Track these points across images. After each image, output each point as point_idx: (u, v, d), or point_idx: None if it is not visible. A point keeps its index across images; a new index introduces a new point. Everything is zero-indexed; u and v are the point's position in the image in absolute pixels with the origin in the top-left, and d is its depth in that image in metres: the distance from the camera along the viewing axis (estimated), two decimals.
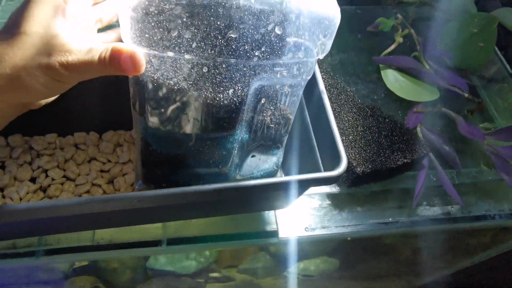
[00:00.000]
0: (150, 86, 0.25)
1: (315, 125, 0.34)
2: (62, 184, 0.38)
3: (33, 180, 0.39)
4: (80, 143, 0.41)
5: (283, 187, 0.29)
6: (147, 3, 0.22)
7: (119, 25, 0.24)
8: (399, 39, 0.54)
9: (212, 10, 0.22)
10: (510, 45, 0.64)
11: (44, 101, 0.30)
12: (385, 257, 0.73)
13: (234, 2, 0.22)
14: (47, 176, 0.38)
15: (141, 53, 0.23)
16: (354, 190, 0.44)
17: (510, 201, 0.45)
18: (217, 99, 0.26)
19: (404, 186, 0.45)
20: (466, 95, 0.50)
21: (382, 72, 0.53)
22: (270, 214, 0.42)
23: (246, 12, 0.22)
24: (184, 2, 0.22)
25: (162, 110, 0.26)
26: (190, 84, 0.25)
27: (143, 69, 0.23)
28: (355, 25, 0.60)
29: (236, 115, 0.27)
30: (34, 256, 0.38)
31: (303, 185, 0.30)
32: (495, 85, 0.56)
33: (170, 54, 0.23)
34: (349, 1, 0.63)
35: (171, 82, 0.24)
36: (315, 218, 0.42)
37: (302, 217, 0.42)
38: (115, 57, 0.22)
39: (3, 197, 0.37)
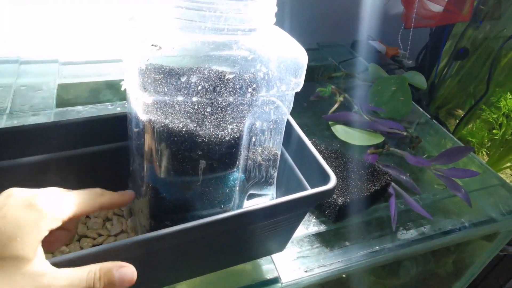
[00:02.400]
0: (160, 132, 0.28)
1: (297, 159, 0.39)
2: None
3: None
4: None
5: (285, 207, 0.32)
6: (156, 54, 0.27)
7: None
8: (339, 99, 0.64)
9: (211, 58, 0.27)
10: (420, 98, 0.78)
11: None
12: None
13: (229, 53, 0.28)
14: None
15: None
16: (338, 226, 0.47)
17: (467, 214, 0.51)
18: (219, 136, 0.30)
19: (379, 215, 0.49)
20: (405, 133, 0.60)
21: (332, 127, 0.62)
22: (267, 262, 0.43)
23: (239, 58, 0.28)
24: (189, 54, 0.27)
25: (172, 154, 0.29)
26: (196, 124, 0.28)
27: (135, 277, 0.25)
28: (300, 97, 0.70)
29: (236, 150, 0.31)
30: None
31: (305, 203, 0.33)
32: (420, 127, 0.67)
33: (180, 98, 0.27)
34: None
35: (180, 125, 0.28)
36: (311, 259, 0.44)
37: (298, 261, 0.44)
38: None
39: None
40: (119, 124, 0.39)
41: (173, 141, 0.28)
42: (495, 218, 0.53)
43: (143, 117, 0.28)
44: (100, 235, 0.40)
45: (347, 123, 0.62)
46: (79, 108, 0.61)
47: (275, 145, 0.35)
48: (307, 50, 0.32)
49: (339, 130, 0.61)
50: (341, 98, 0.65)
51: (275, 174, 0.37)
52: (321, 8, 0.90)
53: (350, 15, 0.94)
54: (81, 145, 0.39)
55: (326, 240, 0.46)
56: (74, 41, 0.74)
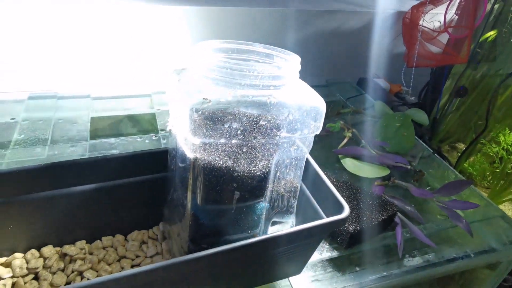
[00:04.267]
0: (204, 168, 0.34)
1: (314, 190, 0.44)
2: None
3: (68, 283, 0.41)
4: (108, 246, 0.45)
5: (304, 234, 0.37)
6: (205, 106, 0.33)
7: None
8: (348, 134, 0.70)
9: (248, 107, 0.33)
10: (423, 133, 0.84)
11: None
12: None
13: (262, 102, 0.34)
14: (82, 278, 0.41)
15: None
16: (349, 252, 0.52)
17: (469, 244, 0.56)
18: (252, 171, 0.35)
19: (386, 243, 0.53)
20: (409, 167, 0.65)
21: (342, 160, 0.67)
22: (286, 285, 0.47)
23: (271, 107, 0.34)
24: (231, 105, 0.33)
25: (212, 186, 0.34)
26: (233, 161, 0.34)
27: None
28: None
29: (265, 183, 0.37)
30: None
31: (321, 230, 0.38)
32: (423, 160, 0.73)
33: (222, 140, 0.33)
34: None
35: (220, 162, 0.34)
36: (325, 283, 0.48)
37: (313, 284, 0.48)
38: None
39: None
40: (158, 158, 0.45)
41: (214, 175, 0.34)
42: (496, 248, 0.57)
43: (190, 155, 0.33)
44: (137, 256, 0.45)
45: (356, 157, 0.67)
46: (111, 140, 0.67)
47: (295, 178, 0.40)
48: (317, 86, 0.38)
49: (348, 163, 0.66)
50: (349, 134, 0.70)
51: (295, 204, 0.42)
52: (329, 47, 0.98)
53: (356, 54, 1.01)
54: (125, 175, 0.44)
55: (338, 265, 0.51)
56: (103, 77, 0.82)
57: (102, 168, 0.43)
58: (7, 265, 0.42)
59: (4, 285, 0.39)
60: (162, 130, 0.72)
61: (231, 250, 0.33)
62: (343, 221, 0.38)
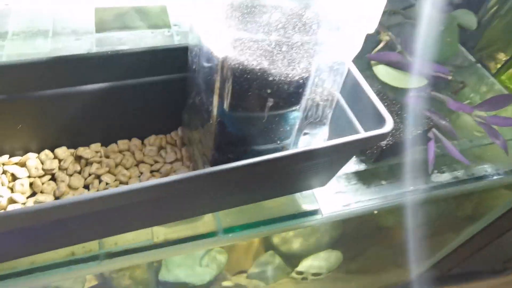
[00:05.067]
0: (234, 69, 0.28)
1: (351, 99, 0.39)
2: (116, 187, 0.39)
3: (86, 187, 0.39)
4: (124, 149, 0.43)
5: (339, 149, 0.33)
6: None
7: None
8: (385, 38, 0.62)
9: None
10: (467, 39, 0.75)
11: None
12: (384, 241, 0.78)
13: None
14: (100, 181, 0.39)
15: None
16: (376, 166, 0.49)
17: (503, 161, 0.53)
18: (290, 75, 0.30)
19: (416, 158, 0.51)
20: (450, 77, 0.59)
21: (374, 68, 0.61)
22: (307, 195, 0.45)
23: None
24: None
25: (243, 91, 0.30)
26: (269, 63, 0.29)
27: None
28: None
29: (302, 90, 0.32)
30: (98, 260, 0.38)
31: (359, 145, 0.34)
32: (463, 70, 0.66)
33: (259, 36, 0.27)
34: None
35: (254, 63, 0.28)
36: (349, 195, 0.47)
37: (337, 195, 0.46)
38: None
39: None
40: (177, 56, 0.39)
41: (246, 78, 0.29)
42: None
43: (218, 53, 0.28)
44: (156, 161, 0.42)
45: (390, 64, 0.61)
46: (120, 34, 0.60)
47: (334, 85, 0.35)
48: None
49: (381, 71, 0.60)
50: (386, 37, 0.63)
51: (330, 115, 0.38)
52: None
53: None
54: (140, 74, 0.39)
55: (364, 178, 0.49)
56: None
57: (115, 65, 0.38)
58: (22, 164, 0.40)
59: (22, 184, 0.38)
60: (175, 25, 0.64)
61: (259, 164, 0.30)
62: (384, 136, 0.34)
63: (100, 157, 0.41)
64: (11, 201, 0.37)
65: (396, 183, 0.49)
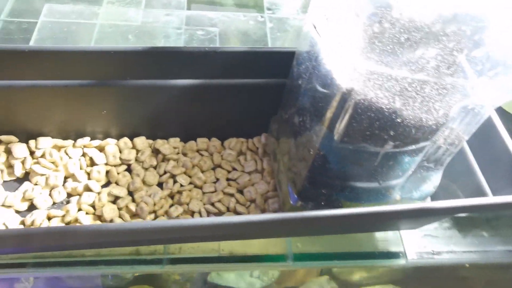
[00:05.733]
0: (357, 104, 0.23)
1: (479, 148, 0.32)
2: (190, 191, 0.37)
3: (159, 185, 0.37)
4: (203, 149, 0.40)
5: (460, 210, 0.27)
6: (382, 13, 0.21)
7: None
8: None
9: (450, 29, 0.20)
10: None
11: None
12: None
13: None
14: (175, 182, 0.37)
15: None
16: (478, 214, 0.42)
17: None
18: (423, 119, 0.24)
19: None
20: None
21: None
22: (393, 234, 0.40)
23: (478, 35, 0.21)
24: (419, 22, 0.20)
25: (360, 129, 0.25)
26: (403, 104, 0.23)
27: None
28: None
29: (432, 136, 0.26)
30: (161, 264, 0.36)
31: (485, 210, 0.28)
32: None
33: (403, 73, 0.21)
34: None
35: (385, 101, 0.23)
36: (440, 241, 0.40)
37: (426, 239, 0.40)
38: None
39: (133, 200, 0.36)
40: (277, 60, 0.35)
41: (368, 116, 0.23)
42: None
43: (343, 83, 0.23)
44: (234, 168, 0.39)
45: None
46: (211, 14, 0.56)
47: (467, 130, 0.28)
48: None
49: None
50: None
51: (448, 160, 0.31)
52: None
53: None
54: (233, 75, 0.36)
55: (461, 224, 0.42)
56: None
57: (210, 62, 0.34)
58: (101, 149, 0.39)
59: (99, 172, 0.37)
60: (269, 9, 0.59)
61: (364, 215, 0.25)
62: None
63: (177, 153, 0.39)
64: (87, 188, 0.36)
65: (501, 238, 0.41)
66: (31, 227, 0.33)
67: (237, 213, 0.36)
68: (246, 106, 0.38)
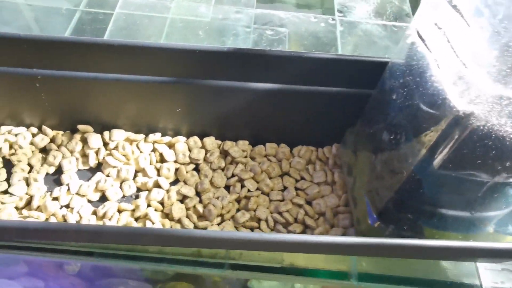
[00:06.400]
0: (475, 130, 0.21)
1: None
2: (257, 197, 0.36)
3: (226, 187, 0.37)
4: (271, 154, 0.39)
5: None
6: None
7: None
8: None
9: None
10: None
11: None
12: None
13: None
14: (242, 186, 0.36)
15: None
16: None
17: None
18: None
19: None
20: None
21: None
22: (468, 264, 0.37)
23: None
24: None
25: (470, 156, 0.22)
26: None
27: None
28: None
29: None
30: (223, 268, 0.36)
31: None
32: None
33: None
34: None
35: (509, 129, 0.20)
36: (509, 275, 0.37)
37: (504, 274, 0.37)
38: None
39: (201, 201, 0.35)
40: (362, 70, 0.33)
41: (484, 144, 0.21)
42: None
43: (460, 105, 0.21)
44: (302, 177, 0.38)
45: None
46: (281, 13, 0.55)
47: None
48: None
49: None
50: None
51: None
52: None
53: None
54: (313, 82, 0.34)
55: None
56: None
57: (291, 67, 0.33)
58: (171, 145, 0.39)
59: (168, 169, 0.37)
60: (340, 12, 0.57)
61: (464, 249, 0.23)
62: None
63: (245, 157, 0.38)
64: (156, 184, 0.36)
65: None
66: (103, 219, 0.33)
67: (305, 225, 0.34)
68: (320, 114, 0.37)
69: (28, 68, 0.33)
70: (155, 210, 0.34)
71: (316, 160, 0.39)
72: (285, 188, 0.37)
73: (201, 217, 0.35)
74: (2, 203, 0.33)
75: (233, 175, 0.37)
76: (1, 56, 0.32)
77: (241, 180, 0.37)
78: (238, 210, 0.35)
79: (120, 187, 0.36)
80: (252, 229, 0.34)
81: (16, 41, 0.31)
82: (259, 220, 0.35)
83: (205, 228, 0.33)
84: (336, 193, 0.36)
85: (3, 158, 0.37)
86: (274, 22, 0.54)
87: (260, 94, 0.35)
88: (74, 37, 0.31)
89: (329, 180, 0.37)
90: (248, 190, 0.36)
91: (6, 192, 0.35)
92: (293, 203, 0.35)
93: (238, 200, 0.36)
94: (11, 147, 0.37)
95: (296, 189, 0.37)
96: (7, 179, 0.36)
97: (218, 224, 0.34)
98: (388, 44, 0.52)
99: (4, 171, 0.36)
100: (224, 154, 0.39)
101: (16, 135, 0.37)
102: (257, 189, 0.37)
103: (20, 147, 0.37)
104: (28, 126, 0.38)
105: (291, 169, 0.38)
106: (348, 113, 0.36)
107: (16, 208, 0.34)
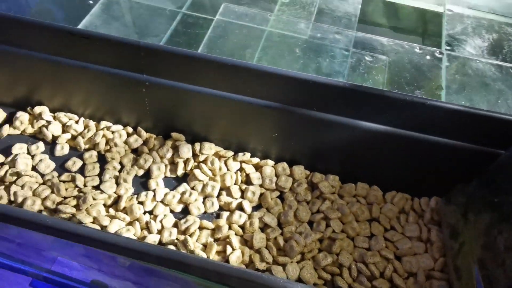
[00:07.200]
0: None
1: None
2: (341, 239, 0.33)
3: (309, 223, 0.35)
4: (361, 195, 0.36)
5: None
6: None
7: None
8: None
9: None
10: None
11: None
12: None
13: None
14: (327, 226, 0.34)
15: None
16: None
17: None
18: None
19: None
20: None
21: None
22: None
23: None
24: None
25: None
26: None
27: None
28: None
29: None
30: None
31: None
32: None
33: None
34: None
35: None
36: None
37: None
38: None
39: (282, 233, 0.34)
40: (495, 129, 0.29)
41: None
42: None
43: None
44: (392, 227, 0.35)
45: None
46: (383, 40, 0.52)
47: None
48: None
49: None
50: None
51: None
52: None
53: None
54: (425, 130, 0.31)
55: None
56: None
57: (409, 112, 0.30)
58: (257, 167, 0.38)
59: (253, 193, 0.36)
60: (448, 45, 0.52)
61: None
62: None
63: (333, 193, 0.36)
64: (239, 207, 0.35)
65: None
66: (185, 234, 0.33)
67: (392, 283, 0.31)
68: (426, 163, 0.34)
69: (139, 73, 0.34)
70: (236, 234, 0.33)
71: (410, 210, 0.35)
72: (372, 235, 0.34)
73: (280, 250, 0.33)
74: (94, 198, 0.34)
75: (318, 211, 0.35)
76: (120, 59, 0.32)
77: (326, 218, 0.34)
78: (319, 250, 0.33)
79: (203, 202, 0.35)
80: (332, 274, 0.32)
81: (135, 48, 0.31)
82: (340, 266, 0.32)
83: (285, 264, 0.32)
84: (432, 254, 0.33)
85: (99, 153, 0.38)
86: (374, 48, 0.51)
87: (368, 133, 0.32)
88: (189, 51, 0.31)
89: (424, 237, 0.34)
90: (333, 231, 0.34)
91: (97, 187, 0.36)
92: (381, 255, 0.33)
93: (320, 239, 0.34)
94: (107, 143, 0.38)
95: (385, 239, 0.34)
96: (99, 174, 0.37)
97: (298, 262, 0.32)
98: (502, 88, 0.47)
99: (98, 165, 0.37)
100: (312, 186, 0.37)
101: (113, 132, 0.38)
102: (342, 231, 0.34)
103: (115, 145, 0.38)
104: (124, 125, 0.39)
105: (381, 216, 0.35)
106: (460, 168, 0.32)
107: (104, 205, 0.35)
